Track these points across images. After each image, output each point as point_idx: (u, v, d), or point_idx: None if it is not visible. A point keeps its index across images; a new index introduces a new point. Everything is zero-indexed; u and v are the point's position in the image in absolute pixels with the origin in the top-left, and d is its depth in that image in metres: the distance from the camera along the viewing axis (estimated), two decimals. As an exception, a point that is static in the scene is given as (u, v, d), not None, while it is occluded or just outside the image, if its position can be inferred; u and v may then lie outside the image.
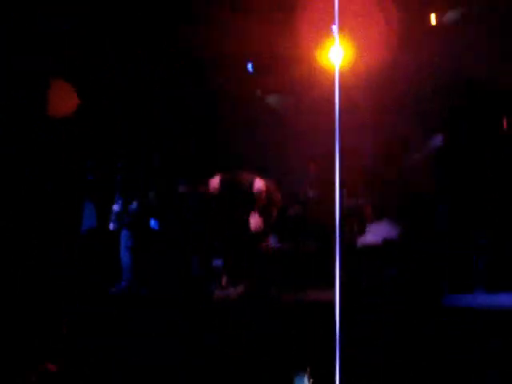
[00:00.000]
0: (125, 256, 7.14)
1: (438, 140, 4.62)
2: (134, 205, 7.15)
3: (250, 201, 5.10)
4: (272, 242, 6.36)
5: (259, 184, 5.13)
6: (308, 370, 2.43)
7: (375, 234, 5.55)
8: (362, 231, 5.73)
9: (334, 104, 3.08)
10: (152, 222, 7.16)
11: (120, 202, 7.20)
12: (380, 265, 3.21)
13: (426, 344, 2.74)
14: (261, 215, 5.05)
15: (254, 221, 5.03)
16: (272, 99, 7.78)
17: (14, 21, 6.98)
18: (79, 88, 8.15)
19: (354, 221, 6.02)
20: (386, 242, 5.37)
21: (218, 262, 6.87)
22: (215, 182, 5.38)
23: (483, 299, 3.75)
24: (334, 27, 3.16)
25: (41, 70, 7.67)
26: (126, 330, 3.65)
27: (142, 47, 7.74)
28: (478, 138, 4.59)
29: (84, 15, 7.10)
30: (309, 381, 2.36)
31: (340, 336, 2.99)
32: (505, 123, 4.95)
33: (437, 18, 6.71)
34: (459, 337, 2.73)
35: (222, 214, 5.62)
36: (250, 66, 7.17)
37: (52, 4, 6.83)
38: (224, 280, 6.25)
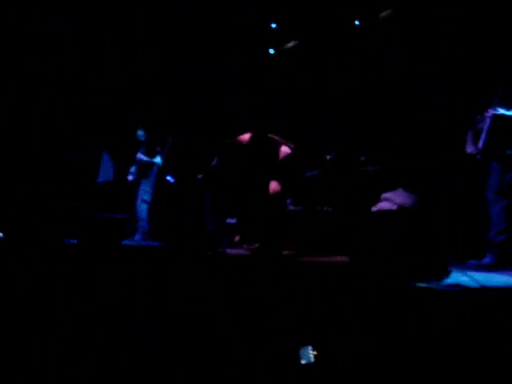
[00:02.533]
0: (140, 209, 7.20)
1: None
2: (158, 158, 7.18)
3: (273, 164, 5.08)
4: (287, 203, 6.34)
5: (286, 151, 5.09)
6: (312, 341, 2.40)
7: (390, 200, 5.59)
8: (376, 197, 5.79)
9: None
10: (169, 177, 7.20)
11: (145, 154, 7.23)
12: (393, 230, 3.23)
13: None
14: (279, 178, 5.04)
15: (273, 183, 5.01)
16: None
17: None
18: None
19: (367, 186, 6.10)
20: (401, 209, 5.40)
21: (231, 220, 6.87)
22: (246, 136, 5.33)
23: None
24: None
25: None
26: (137, 283, 3.62)
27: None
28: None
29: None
30: (313, 352, 2.33)
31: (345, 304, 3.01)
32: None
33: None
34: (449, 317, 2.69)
35: (243, 172, 5.61)
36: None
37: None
38: (237, 237, 6.22)
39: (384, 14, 6.84)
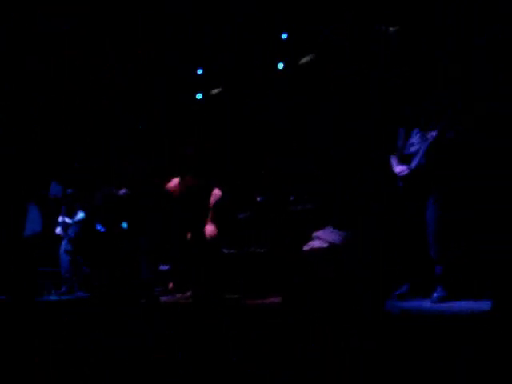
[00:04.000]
0: (64, 260, 7.13)
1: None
2: (80, 214, 7.20)
3: (206, 207, 5.08)
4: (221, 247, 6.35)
5: (217, 194, 5.11)
6: None
7: (321, 239, 5.66)
8: (308, 236, 5.86)
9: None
10: (99, 227, 7.14)
11: (66, 215, 7.24)
12: (326, 268, 3.24)
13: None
14: (214, 222, 5.03)
15: (209, 227, 5.01)
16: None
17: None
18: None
19: (301, 225, 6.13)
20: (331, 247, 5.47)
21: (163, 267, 6.81)
22: (174, 182, 5.34)
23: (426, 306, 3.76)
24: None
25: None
26: (65, 336, 3.57)
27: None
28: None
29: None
30: None
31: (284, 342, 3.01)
32: None
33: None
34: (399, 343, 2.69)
35: (175, 218, 5.62)
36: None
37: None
38: (171, 285, 6.21)
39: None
